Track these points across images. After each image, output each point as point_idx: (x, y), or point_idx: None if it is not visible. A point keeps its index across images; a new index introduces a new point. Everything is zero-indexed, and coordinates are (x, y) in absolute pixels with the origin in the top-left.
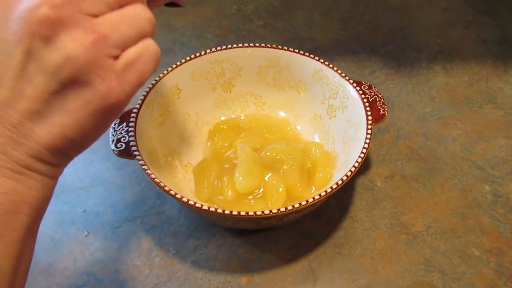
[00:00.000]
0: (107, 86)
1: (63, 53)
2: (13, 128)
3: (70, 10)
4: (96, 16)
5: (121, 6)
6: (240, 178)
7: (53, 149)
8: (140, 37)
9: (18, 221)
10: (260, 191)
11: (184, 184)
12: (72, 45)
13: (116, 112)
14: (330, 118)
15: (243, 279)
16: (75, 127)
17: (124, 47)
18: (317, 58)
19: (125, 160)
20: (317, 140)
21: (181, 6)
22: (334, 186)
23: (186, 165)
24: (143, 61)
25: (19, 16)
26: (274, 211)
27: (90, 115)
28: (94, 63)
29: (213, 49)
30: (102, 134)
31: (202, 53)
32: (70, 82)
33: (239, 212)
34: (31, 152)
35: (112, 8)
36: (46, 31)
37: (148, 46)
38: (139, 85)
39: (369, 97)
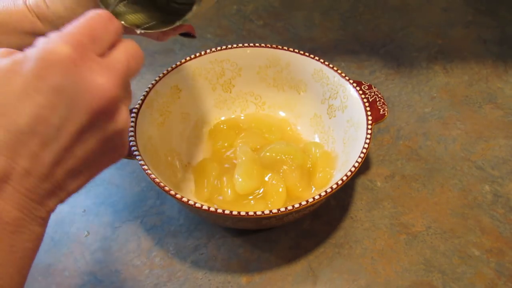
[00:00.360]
0: (126, 148)
1: (119, 126)
2: (55, 185)
3: (124, 88)
4: None
5: None
6: (240, 180)
7: (69, 197)
8: None
9: (33, 259)
10: (260, 191)
11: (184, 184)
12: (124, 119)
13: None
14: (330, 118)
15: (243, 279)
16: (92, 179)
17: None
18: (317, 58)
19: (125, 160)
20: (317, 140)
21: (194, 37)
22: (334, 186)
23: (186, 165)
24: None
25: (93, 92)
26: (274, 211)
27: (107, 167)
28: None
29: (213, 49)
30: None
31: (202, 53)
32: (113, 147)
33: (239, 212)
34: (60, 201)
35: None
36: (112, 108)
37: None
38: None
39: (369, 97)
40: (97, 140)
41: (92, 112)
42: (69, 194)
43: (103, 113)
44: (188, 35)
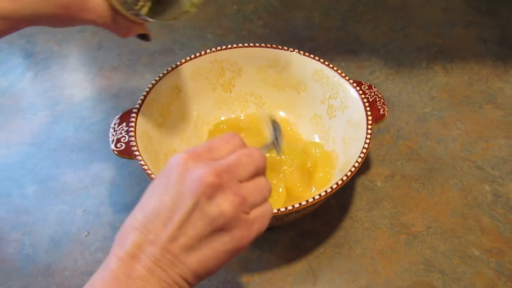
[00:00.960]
0: (241, 234)
1: (220, 209)
2: (173, 256)
3: (227, 178)
4: (241, 182)
5: (255, 176)
6: None
7: (195, 274)
8: (264, 201)
9: None
10: None
11: None
12: (225, 203)
13: (240, 252)
14: (330, 118)
15: (243, 279)
16: (214, 260)
17: (254, 207)
18: (317, 58)
19: (125, 160)
20: (317, 140)
21: (149, 40)
22: (334, 186)
23: None
24: (264, 218)
25: (194, 179)
26: (274, 211)
27: (225, 252)
28: (236, 217)
29: (213, 49)
30: (225, 265)
31: (202, 53)
32: (218, 229)
33: None
34: (182, 273)
35: (251, 178)
36: (211, 192)
37: (268, 208)
38: (259, 234)
39: (369, 97)
40: (204, 221)
41: (195, 194)
42: (190, 269)
43: (204, 196)
44: (144, 37)
